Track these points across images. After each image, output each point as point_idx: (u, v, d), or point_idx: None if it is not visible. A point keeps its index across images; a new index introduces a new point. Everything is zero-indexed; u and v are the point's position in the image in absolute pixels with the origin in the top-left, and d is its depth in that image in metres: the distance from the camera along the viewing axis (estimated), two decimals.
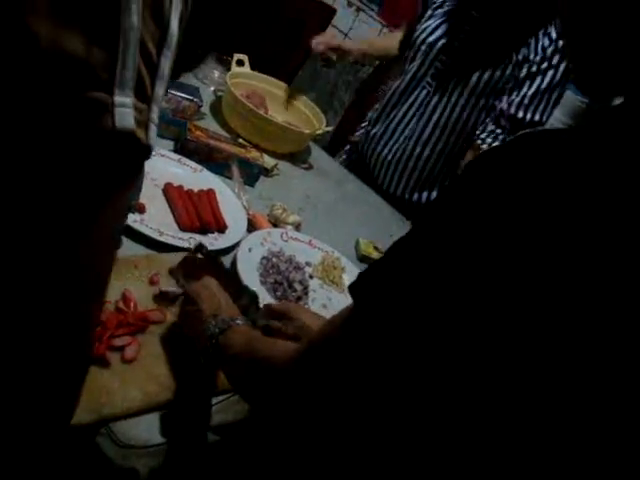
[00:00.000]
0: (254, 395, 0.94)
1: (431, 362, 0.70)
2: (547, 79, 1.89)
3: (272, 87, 2.14)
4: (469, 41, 1.93)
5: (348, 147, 2.30)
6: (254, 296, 1.27)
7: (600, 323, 0.61)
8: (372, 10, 3.60)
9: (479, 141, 1.91)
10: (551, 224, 0.61)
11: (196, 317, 1.09)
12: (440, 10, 2.03)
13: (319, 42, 2.13)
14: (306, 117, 2.11)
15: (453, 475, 0.72)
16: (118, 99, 0.57)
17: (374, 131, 2.14)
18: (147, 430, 1.01)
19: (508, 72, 1.90)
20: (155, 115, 0.61)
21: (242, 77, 2.07)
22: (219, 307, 1.09)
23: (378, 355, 0.73)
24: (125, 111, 0.57)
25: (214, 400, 1.12)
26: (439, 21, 2.00)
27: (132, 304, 1.14)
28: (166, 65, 0.62)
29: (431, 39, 1.99)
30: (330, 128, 2.04)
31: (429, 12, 2.06)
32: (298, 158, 2.02)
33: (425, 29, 2.02)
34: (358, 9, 3.61)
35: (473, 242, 0.64)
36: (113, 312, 1.11)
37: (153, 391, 1.04)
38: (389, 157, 2.11)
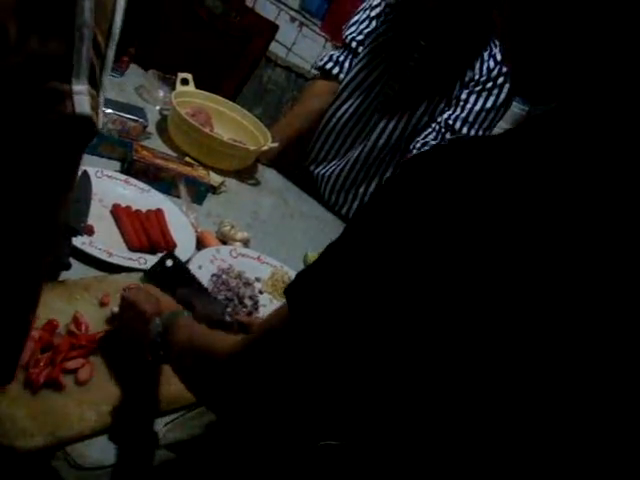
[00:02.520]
0: (199, 387, 0.97)
1: (367, 352, 0.73)
2: (492, 98, 1.95)
3: (217, 104, 2.16)
4: (419, 68, 1.98)
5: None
6: (223, 306, 1.30)
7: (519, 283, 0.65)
8: (315, 25, 3.65)
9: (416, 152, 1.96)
10: (480, 218, 0.66)
11: (139, 320, 1.11)
12: (386, 40, 2.05)
13: None
14: (251, 133, 2.13)
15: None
16: (76, 87, 0.65)
17: (322, 154, 2.18)
18: (102, 451, 1.02)
19: (455, 93, 1.97)
20: (102, 101, 0.70)
21: (187, 96, 2.09)
22: (159, 304, 1.12)
23: (312, 356, 0.77)
24: (83, 98, 0.66)
25: (169, 418, 1.13)
26: (387, 50, 2.03)
27: (83, 326, 1.15)
28: (111, 55, 0.70)
29: (381, 67, 2.03)
30: (276, 144, 2.07)
31: (373, 45, 2.08)
32: (245, 175, 2.04)
33: (373, 59, 2.06)
34: (301, 24, 3.66)
35: (407, 238, 0.68)
36: (65, 335, 1.12)
37: (107, 411, 1.05)
38: (339, 180, 2.14)
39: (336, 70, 2.19)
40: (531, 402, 0.68)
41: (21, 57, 0.61)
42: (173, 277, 1.27)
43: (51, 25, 0.63)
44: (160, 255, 1.38)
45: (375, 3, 2.14)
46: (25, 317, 0.74)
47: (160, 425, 1.11)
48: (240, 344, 0.87)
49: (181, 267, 1.32)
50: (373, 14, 2.13)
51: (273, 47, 3.20)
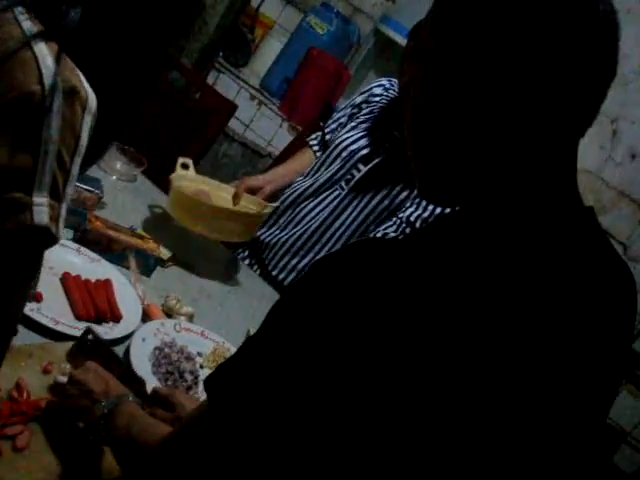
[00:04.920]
0: (132, 473, 1.00)
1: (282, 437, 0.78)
2: None
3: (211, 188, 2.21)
4: (388, 157, 2.07)
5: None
6: (141, 383, 1.33)
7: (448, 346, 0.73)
8: (274, 104, 3.78)
9: None
10: (383, 312, 0.72)
11: (86, 398, 1.14)
12: (363, 125, 2.17)
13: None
14: (245, 207, 2.15)
15: None
16: (36, 199, 0.70)
17: (278, 223, 2.23)
18: None
19: (415, 192, 2.03)
20: (64, 211, 0.75)
21: (183, 180, 2.15)
22: (108, 386, 1.16)
23: (230, 445, 0.81)
24: (41, 209, 0.70)
25: None
26: (362, 133, 2.15)
27: (25, 393, 1.18)
28: (76, 169, 0.75)
29: (353, 147, 2.13)
30: (274, 205, 2.16)
31: (352, 123, 2.21)
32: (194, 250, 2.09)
33: (347, 138, 2.16)
34: (260, 102, 3.78)
35: (314, 333, 0.74)
36: (6, 400, 1.15)
37: (42, 479, 1.08)
38: (292, 250, 2.18)
39: (315, 148, 2.34)
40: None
41: None
42: (93, 353, 1.30)
43: (18, 141, 0.68)
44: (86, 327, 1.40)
45: (357, 102, 2.27)
46: None
47: None
48: (167, 437, 0.92)
49: (100, 343, 1.36)
50: (355, 111, 2.26)
51: (231, 123, 3.30)
